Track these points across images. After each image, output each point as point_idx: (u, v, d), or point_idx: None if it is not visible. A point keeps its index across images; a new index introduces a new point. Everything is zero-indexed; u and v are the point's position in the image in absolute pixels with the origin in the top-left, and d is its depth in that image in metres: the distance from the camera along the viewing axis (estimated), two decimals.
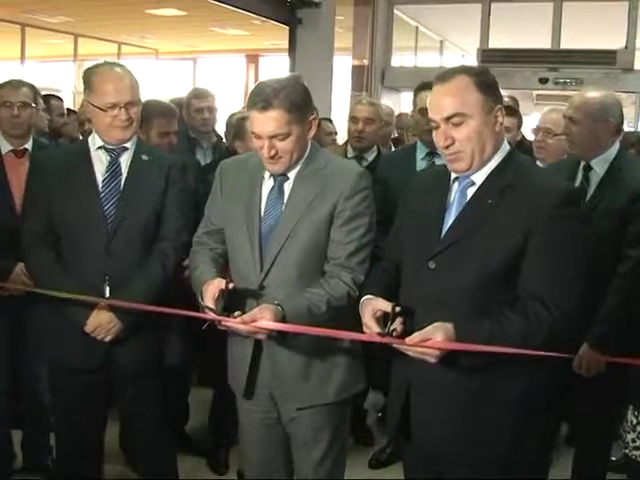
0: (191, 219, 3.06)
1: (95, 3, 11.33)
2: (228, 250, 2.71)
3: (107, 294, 2.89)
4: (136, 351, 2.96)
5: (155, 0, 11.18)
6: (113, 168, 2.94)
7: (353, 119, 4.39)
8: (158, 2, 11.37)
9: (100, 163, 2.94)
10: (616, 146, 3.15)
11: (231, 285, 2.45)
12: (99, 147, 2.94)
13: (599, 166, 3.12)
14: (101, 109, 2.84)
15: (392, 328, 2.18)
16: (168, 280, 2.97)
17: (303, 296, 2.49)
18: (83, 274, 2.87)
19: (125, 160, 2.95)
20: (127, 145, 2.95)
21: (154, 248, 2.97)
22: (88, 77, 2.90)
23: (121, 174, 2.94)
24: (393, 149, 5.48)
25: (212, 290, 2.45)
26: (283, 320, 2.40)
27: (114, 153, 2.94)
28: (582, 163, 3.17)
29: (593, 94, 3.14)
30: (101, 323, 2.86)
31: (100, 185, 2.91)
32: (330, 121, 5.64)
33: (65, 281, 2.86)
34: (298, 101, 2.47)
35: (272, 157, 2.49)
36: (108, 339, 2.88)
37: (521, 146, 4.45)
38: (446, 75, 2.23)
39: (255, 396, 2.70)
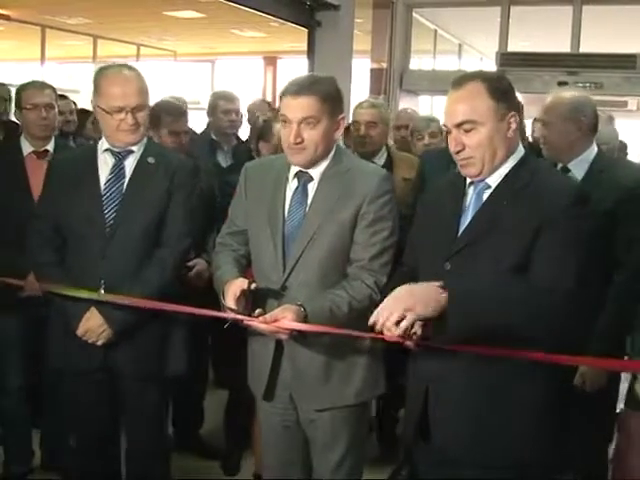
0: (198, 224, 3.06)
1: (114, 5, 11.39)
2: (251, 251, 2.71)
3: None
4: (135, 357, 2.92)
5: (174, 2, 11.22)
6: (116, 171, 2.91)
7: (355, 123, 4.24)
8: (177, 4, 11.41)
9: (106, 166, 2.92)
10: (594, 147, 3.09)
11: (253, 285, 2.46)
12: (105, 150, 2.93)
13: (577, 168, 3.05)
14: (107, 112, 2.82)
15: (412, 331, 2.18)
16: (166, 287, 2.92)
17: (325, 297, 2.49)
18: (80, 277, 2.84)
19: (130, 163, 2.92)
20: (133, 148, 2.92)
21: (154, 255, 2.92)
22: (96, 79, 2.88)
23: (124, 177, 2.91)
24: None
25: (234, 290, 2.45)
26: (305, 321, 2.41)
27: (119, 156, 2.92)
28: (559, 166, 3.11)
29: (563, 95, 3.10)
30: (91, 327, 2.84)
31: (102, 188, 2.89)
32: None
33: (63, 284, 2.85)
34: (332, 94, 2.53)
35: (297, 143, 2.50)
36: (99, 343, 2.85)
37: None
38: (460, 81, 2.26)
39: (275, 398, 2.70)
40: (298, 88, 2.48)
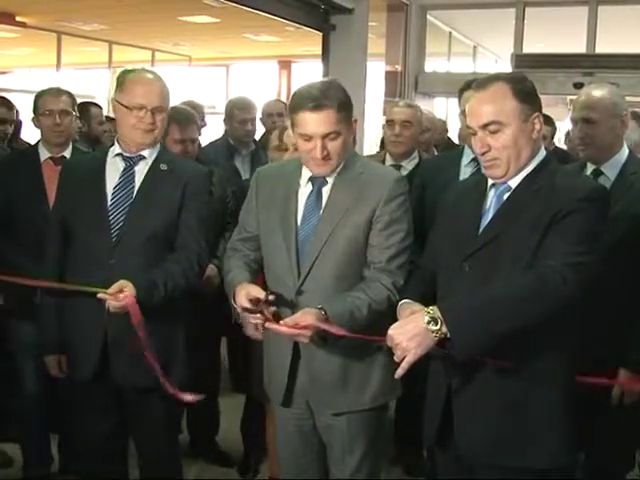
0: (211, 231, 3.03)
1: (129, 11, 11.46)
2: (264, 257, 2.71)
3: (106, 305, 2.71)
4: (136, 368, 2.79)
5: (188, 7, 11.26)
6: (126, 176, 2.89)
7: (389, 123, 4.16)
8: (191, 9, 11.46)
9: (115, 171, 2.90)
10: (625, 148, 3.04)
11: (271, 297, 2.44)
12: (117, 154, 2.92)
13: (610, 170, 2.98)
14: (128, 108, 2.83)
15: None
16: (188, 287, 2.87)
17: (345, 300, 2.48)
18: (86, 282, 2.75)
19: (141, 169, 2.90)
20: (145, 154, 2.90)
21: (173, 256, 2.86)
22: (122, 77, 2.90)
23: (134, 183, 2.88)
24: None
25: (247, 292, 2.45)
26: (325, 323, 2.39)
27: (130, 161, 2.90)
28: (590, 168, 3.04)
29: (601, 91, 3.02)
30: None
31: (110, 193, 2.87)
32: None
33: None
34: (345, 101, 2.51)
35: (324, 158, 2.49)
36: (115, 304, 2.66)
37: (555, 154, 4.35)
38: (485, 82, 2.27)
39: (292, 403, 2.69)
40: (315, 103, 2.44)
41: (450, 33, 13.30)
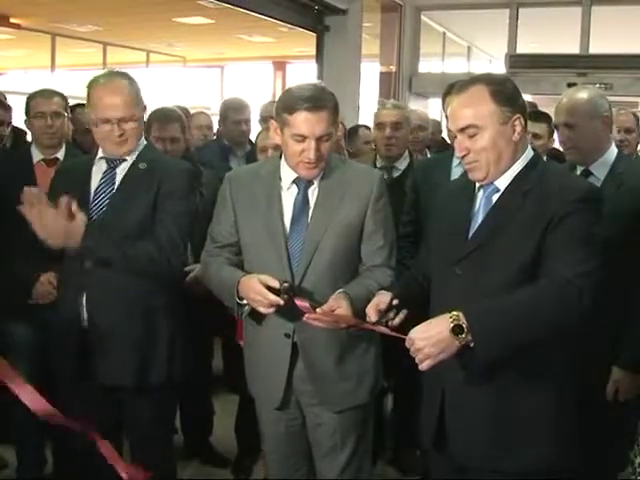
0: (190, 229, 2.97)
1: (123, 12, 11.44)
2: (249, 263, 2.67)
3: (84, 309, 2.78)
4: (120, 366, 2.83)
5: (182, 8, 11.26)
6: (107, 178, 2.88)
7: (379, 126, 4.14)
8: (185, 10, 11.45)
9: (99, 173, 2.90)
10: (613, 148, 3.04)
11: (286, 284, 2.44)
12: (100, 157, 2.91)
13: (599, 170, 2.98)
14: (94, 122, 2.82)
15: (392, 320, 2.29)
16: (155, 267, 2.79)
17: (358, 284, 2.54)
18: (63, 283, 2.78)
19: (121, 170, 2.88)
20: (126, 156, 2.88)
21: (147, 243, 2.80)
22: (88, 88, 2.86)
23: (114, 184, 2.87)
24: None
25: (264, 280, 2.43)
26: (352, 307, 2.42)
27: (112, 163, 2.89)
28: (580, 168, 3.04)
29: (580, 94, 3.03)
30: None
31: (92, 196, 2.86)
32: (368, 128, 5.15)
33: None
34: (336, 104, 2.53)
35: (316, 160, 2.49)
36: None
37: (553, 155, 4.33)
38: (464, 85, 2.27)
39: (289, 406, 2.70)
40: (313, 103, 2.44)
41: (444, 33, 13.31)
